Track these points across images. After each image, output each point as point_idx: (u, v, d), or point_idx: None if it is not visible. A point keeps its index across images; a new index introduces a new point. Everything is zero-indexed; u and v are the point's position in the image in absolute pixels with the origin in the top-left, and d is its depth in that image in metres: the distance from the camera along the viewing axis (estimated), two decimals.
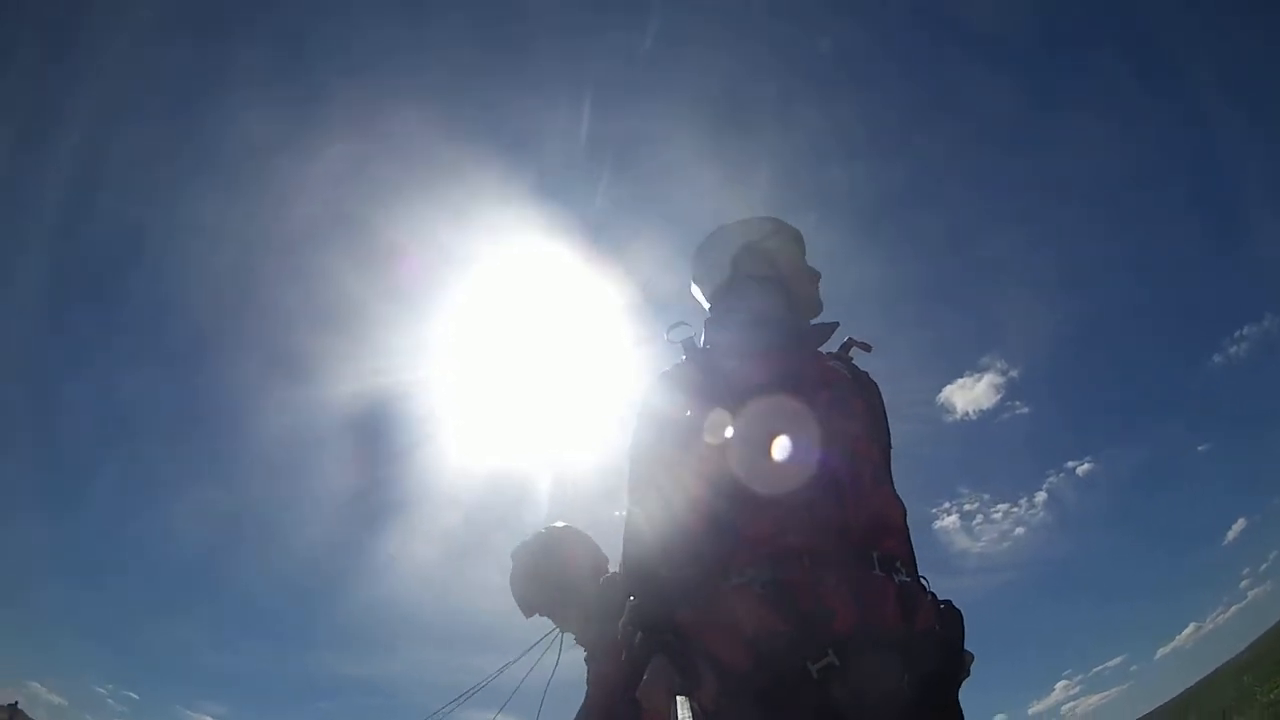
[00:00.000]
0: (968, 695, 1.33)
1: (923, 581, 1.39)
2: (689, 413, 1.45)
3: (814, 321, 1.71)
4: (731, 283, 1.74)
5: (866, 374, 1.64)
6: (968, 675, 1.39)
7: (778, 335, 1.62)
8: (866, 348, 1.65)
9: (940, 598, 1.40)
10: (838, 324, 1.67)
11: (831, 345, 1.67)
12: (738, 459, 1.36)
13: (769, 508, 1.31)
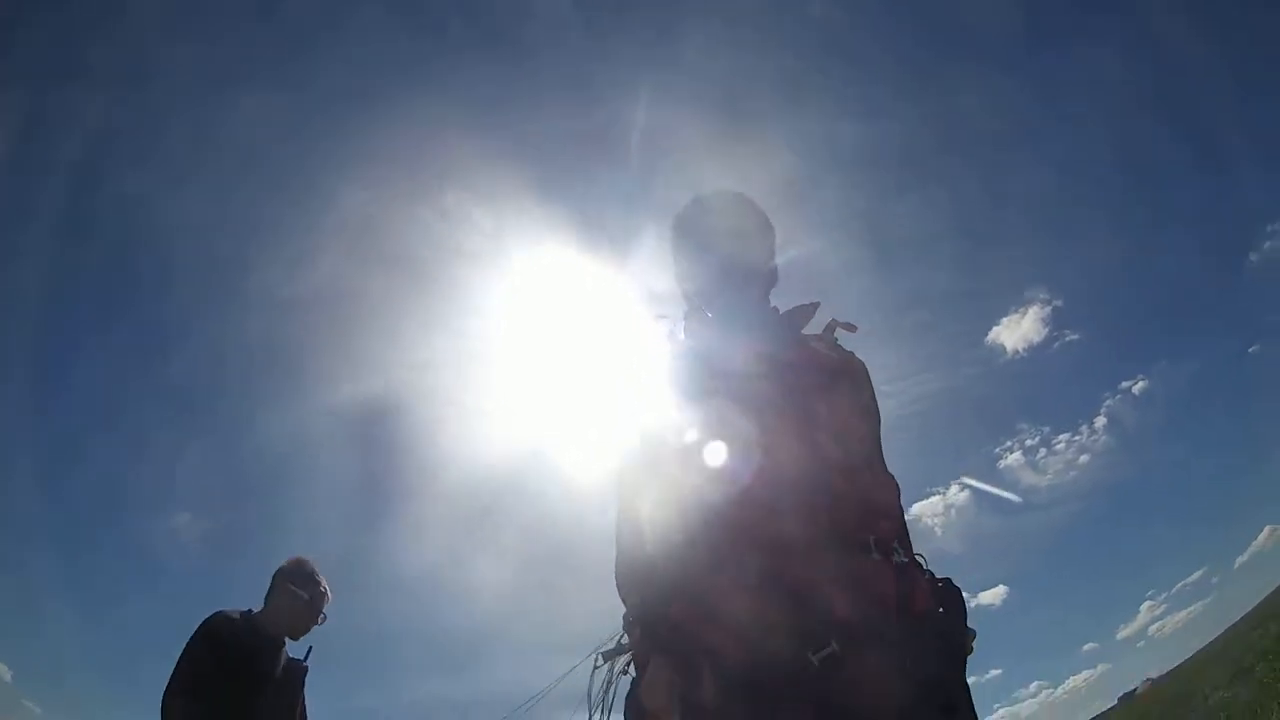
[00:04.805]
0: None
1: (919, 560, 1.37)
2: (674, 408, 1.43)
3: (796, 305, 1.66)
4: (676, 266, 1.71)
5: (852, 354, 1.60)
6: (970, 652, 1.38)
7: (756, 322, 1.59)
8: (851, 328, 1.61)
9: (939, 576, 1.38)
10: (818, 304, 1.63)
11: (815, 327, 1.63)
12: (726, 450, 1.33)
13: (761, 497, 1.28)
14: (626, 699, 1.82)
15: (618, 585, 1.44)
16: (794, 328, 1.61)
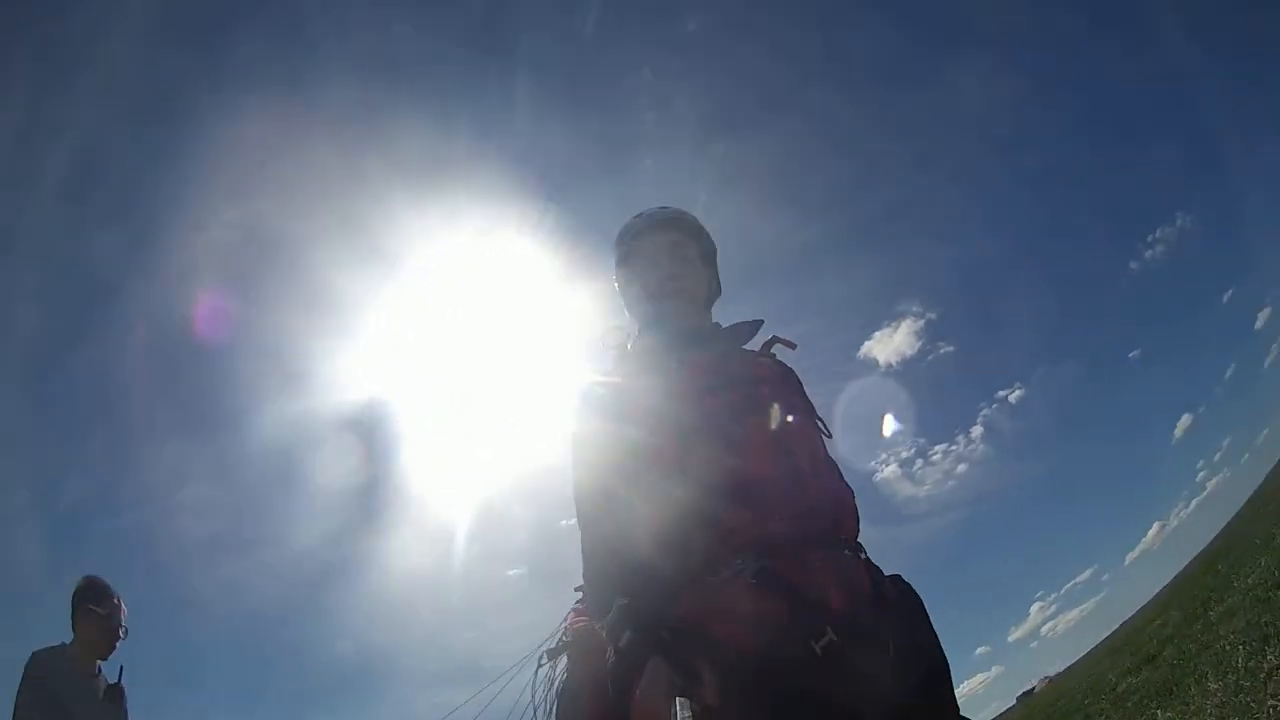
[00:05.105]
0: (943, 637, 1.39)
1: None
2: (636, 417, 1.44)
3: (739, 321, 1.74)
4: (620, 281, 1.83)
5: (791, 369, 1.67)
6: None
7: (702, 335, 1.67)
8: (791, 345, 1.69)
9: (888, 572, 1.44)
10: (762, 322, 1.72)
11: (755, 343, 1.70)
12: (702, 457, 1.36)
13: (745, 500, 1.33)
14: (559, 696, 1.89)
15: (592, 589, 1.46)
16: (738, 342, 1.69)
